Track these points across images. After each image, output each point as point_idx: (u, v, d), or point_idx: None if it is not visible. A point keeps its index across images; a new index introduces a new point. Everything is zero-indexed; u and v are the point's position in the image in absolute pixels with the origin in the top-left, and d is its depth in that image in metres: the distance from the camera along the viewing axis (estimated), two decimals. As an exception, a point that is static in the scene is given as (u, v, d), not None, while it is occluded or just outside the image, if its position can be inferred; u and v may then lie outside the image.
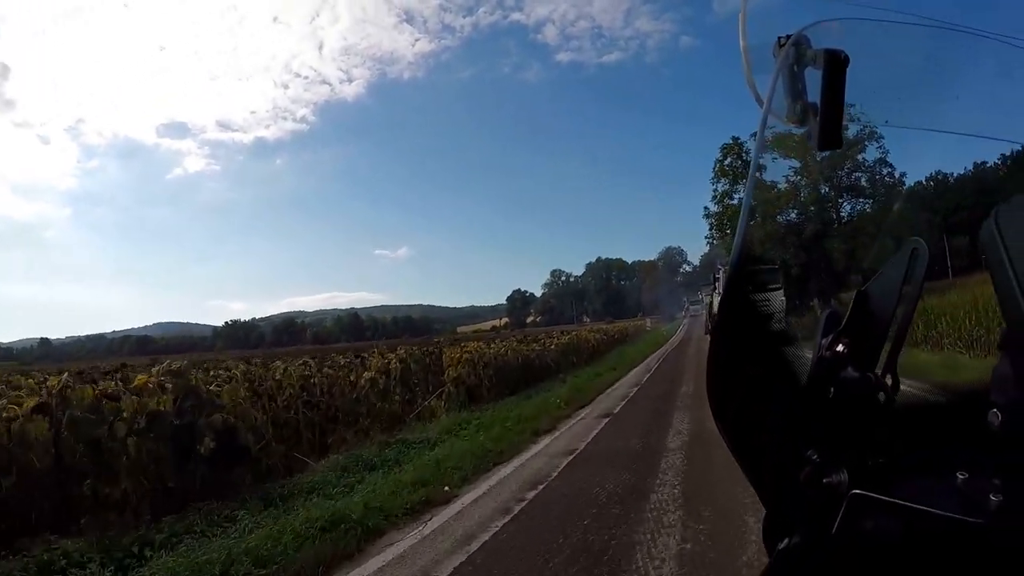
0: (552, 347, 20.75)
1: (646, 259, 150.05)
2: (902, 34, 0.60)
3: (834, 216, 30.71)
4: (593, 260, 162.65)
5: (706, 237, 40.64)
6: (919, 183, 39.90)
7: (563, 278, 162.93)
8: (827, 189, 30.40)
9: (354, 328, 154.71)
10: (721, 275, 22.46)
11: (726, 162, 35.15)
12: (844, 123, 0.56)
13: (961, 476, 0.51)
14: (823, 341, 0.59)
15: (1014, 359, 0.48)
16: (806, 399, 0.58)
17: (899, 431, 0.56)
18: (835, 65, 0.56)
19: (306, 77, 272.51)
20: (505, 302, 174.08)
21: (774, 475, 0.58)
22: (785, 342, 0.59)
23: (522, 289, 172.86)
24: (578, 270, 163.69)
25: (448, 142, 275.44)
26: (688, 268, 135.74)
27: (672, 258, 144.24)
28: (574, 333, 28.65)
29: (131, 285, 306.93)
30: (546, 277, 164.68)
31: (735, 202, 33.18)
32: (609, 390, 13.95)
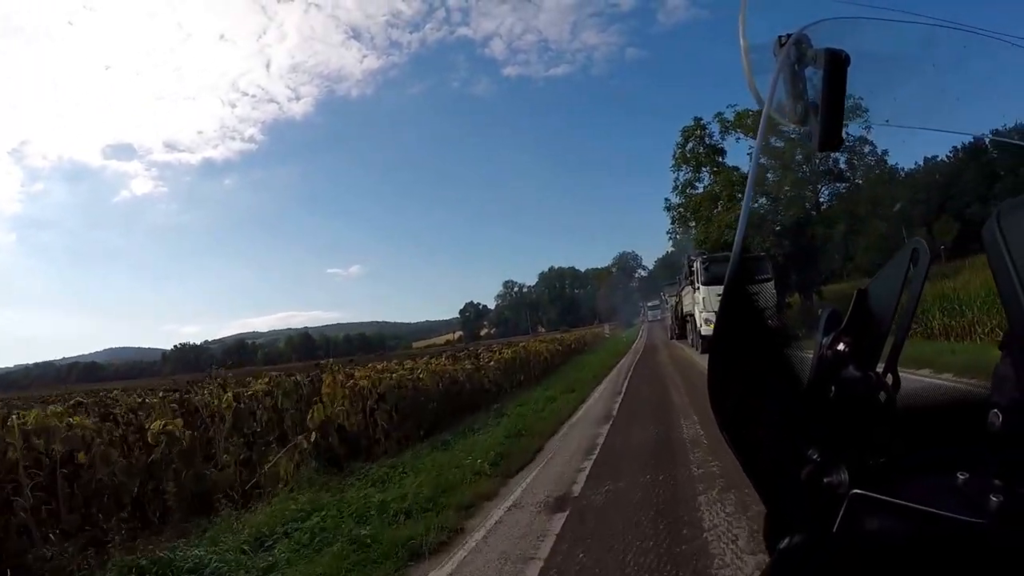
0: (491, 364, 16.61)
1: (600, 266, 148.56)
2: (903, 33, 0.61)
3: (812, 201, 30.11)
4: (546, 270, 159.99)
5: (668, 232, 39.11)
6: (909, 170, 39.78)
7: (516, 289, 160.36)
8: (806, 171, 29.63)
9: (306, 348, 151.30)
10: (698, 266, 21.11)
11: (687, 147, 33.54)
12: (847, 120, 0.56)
13: (962, 476, 0.51)
14: (824, 340, 0.59)
15: (1015, 360, 0.48)
16: (807, 398, 0.58)
17: (900, 431, 0.56)
18: (836, 64, 0.56)
19: (254, 96, 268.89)
20: (458, 316, 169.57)
21: (775, 474, 0.57)
22: (785, 340, 0.58)
23: (475, 302, 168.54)
24: (531, 280, 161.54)
25: (398, 158, 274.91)
26: (643, 272, 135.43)
27: (627, 263, 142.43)
28: (522, 345, 23.75)
29: (82, 311, 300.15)
30: (499, 289, 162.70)
31: (700, 191, 32.49)
32: (565, 429, 9.36)
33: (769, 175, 27.88)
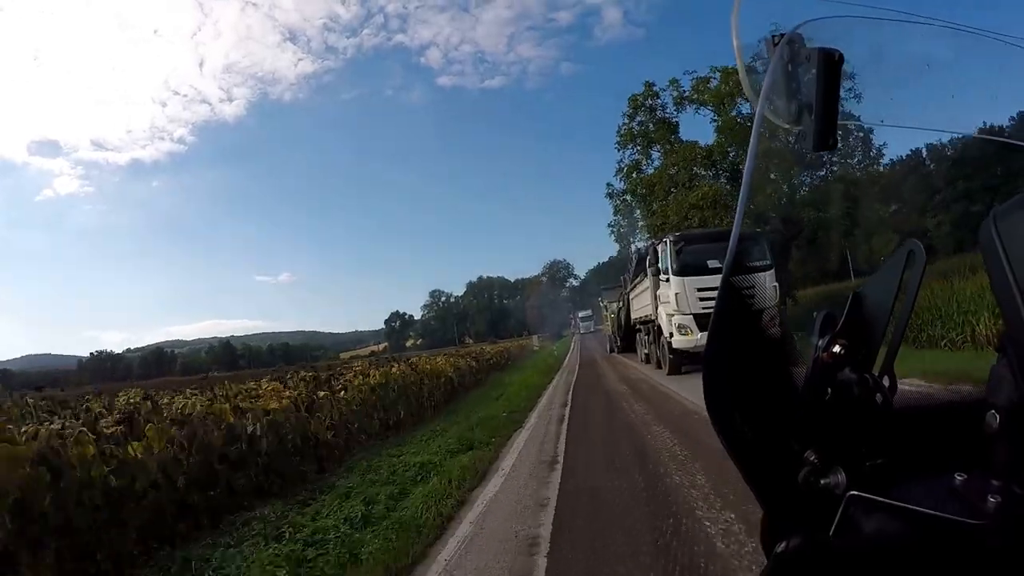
0: (343, 393, 9.59)
1: (530, 276, 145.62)
2: (896, 32, 0.62)
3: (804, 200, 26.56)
4: (474, 279, 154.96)
5: (610, 225, 33.00)
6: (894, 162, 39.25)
7: (443, 299, 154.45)
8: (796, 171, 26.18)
9: (227, 357, 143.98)
10: (668, 251, 14.09)
11: (635, 122, 28.33)
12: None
13: (959, 477, 0.52)
14: (819, 342, 0.58)
15: (1011, 361, 0.48)
16: (804, 401, 0.57)
17: (897, 432, 0.56)
18: (829, 64, 0.56)
19: (185, 95, 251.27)
20: (383, 326, 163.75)
21: (772, 477, 0.56)
22: (782, 342, 0.57)
23: (400, 311, 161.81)
24: (460, 290, 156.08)
25: (330, 165, 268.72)
26: (575, 282, 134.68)
27: (557, 272, 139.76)
28: (411, 361, 16.57)
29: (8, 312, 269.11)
30: (426, 299, 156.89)
31: (648, 172, 28.05)
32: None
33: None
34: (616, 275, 34.80)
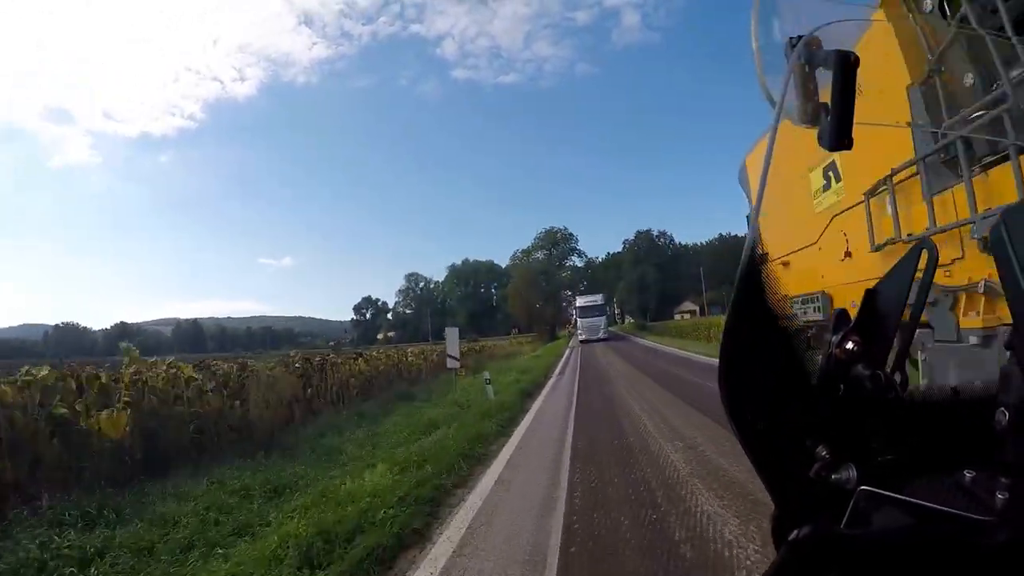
0: None
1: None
2: None
3: None
4: (458, 263, 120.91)
5: None
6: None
7: (421, 284, 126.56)
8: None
9: (194, 339, 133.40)
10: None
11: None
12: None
13: (969, 474, 0.53)
14: (833, 339, 0.59)
15: (1021, 358, 0.49)
16: (816, 396, 0.58)
17: (907, 428, 0.57)
18: (845, 65, 0.57)
19: (198, 72, 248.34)
20: (353, 315, 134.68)
21: (784, 470, 0.57)
22: (797, 338, 0.58)
23: (373, 297, 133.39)
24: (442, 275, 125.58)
25: (338, 150, 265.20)
26: (578, 260, 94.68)
27: (555, 244, 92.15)
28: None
29: (9, 279, 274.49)
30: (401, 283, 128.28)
31: None
32: None
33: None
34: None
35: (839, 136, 0.58)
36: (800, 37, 0.60)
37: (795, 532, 0.54)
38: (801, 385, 0.58)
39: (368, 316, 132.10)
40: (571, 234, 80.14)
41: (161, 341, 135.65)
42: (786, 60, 0.60)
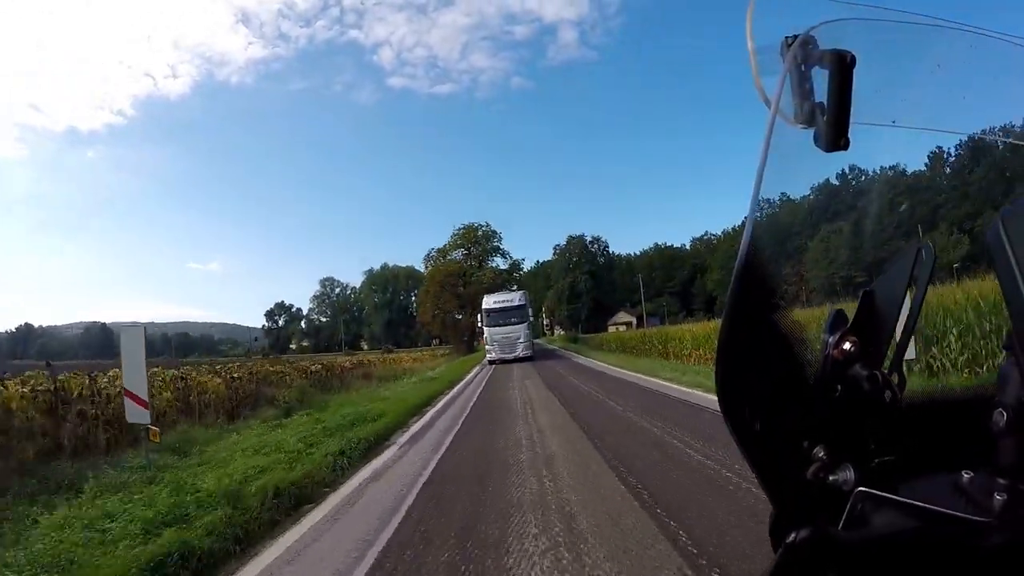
0: None
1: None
2: (909, 33, 0.63)
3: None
4: (376, 267, 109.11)
5: None
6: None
7: (337, 290, 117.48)
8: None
9: (104, 343, 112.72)
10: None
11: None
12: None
13: (966, 475, 0.52)
14: (830, 339, 0.59)
15: (1019, 360, 0.49)
16: (814, 397, 0.58)
17: (905, 429, 0.57)
18: (842, 66, 0.57)
19: (129, 66, 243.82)
20: (264, 322, 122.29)
21: (781, 472, 0.57)
22: (794, 338, 0.58)
23: (287, 303, 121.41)
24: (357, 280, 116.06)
25: (268, 155, 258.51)
26: (502, 262, 71.95)
27: (475, 242, 65.39)
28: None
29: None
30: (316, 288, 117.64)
31: None
32: None
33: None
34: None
35: (835, 137, 0.58)
36: (796, 36, 0.60)
37: (793, 534, 0.54)
38: (798, 386, 0.58)
39: (280, 323, 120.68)
40: (494, 231, 62.01)
41: (67, 345, 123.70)
42: (781, 60, 0.60)
